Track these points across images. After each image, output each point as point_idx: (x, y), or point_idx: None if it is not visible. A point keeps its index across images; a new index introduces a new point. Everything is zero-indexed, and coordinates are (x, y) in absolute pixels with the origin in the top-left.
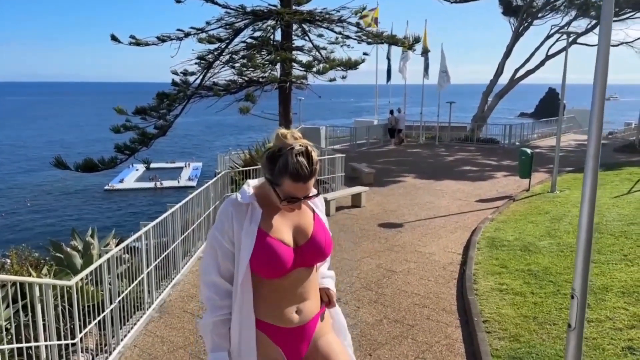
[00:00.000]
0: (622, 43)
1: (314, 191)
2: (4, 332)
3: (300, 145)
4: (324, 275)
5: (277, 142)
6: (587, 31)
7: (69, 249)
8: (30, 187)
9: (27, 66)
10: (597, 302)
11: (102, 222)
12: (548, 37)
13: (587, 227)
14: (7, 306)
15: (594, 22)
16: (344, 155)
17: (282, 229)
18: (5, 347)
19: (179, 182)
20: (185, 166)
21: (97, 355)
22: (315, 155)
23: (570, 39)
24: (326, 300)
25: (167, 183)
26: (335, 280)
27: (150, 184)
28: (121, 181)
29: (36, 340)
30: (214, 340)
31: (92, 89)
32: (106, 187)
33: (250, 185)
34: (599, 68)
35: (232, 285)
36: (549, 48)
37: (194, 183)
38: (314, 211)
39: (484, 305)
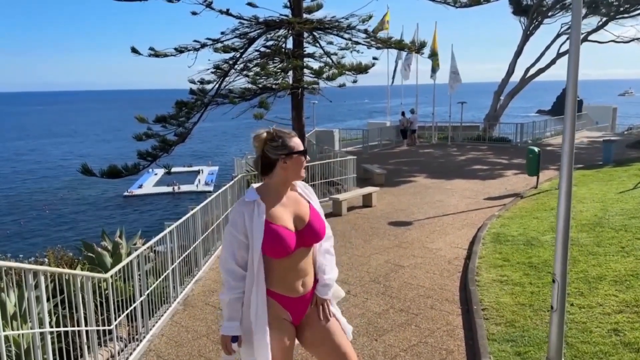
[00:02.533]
0: (633, 39)
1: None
2: (48, 318)
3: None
4: (323, 281)
5: (257, 143)
6: (597, 28)
7: (99, 249)
8: (47, 196)
9: (40, 76)
10: (590, 290)
11: (123, 226)
12: (558, 35)
13: (565, 217)
14: (48, 299)
15: (604, 19)
16: (355, 157)
17: (284, 217)
18: (54, 329)
19: (197, 186)
20: (201, 172)
21: (129, 342)
22: None
23: (581, 37)
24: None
25: (184, 187)
26: (332, 285)
27: (169, 189)
28: (140, 186)
29: (78, 327)
30: (229, 312)
31: (106, 97)
32: (125, 193)
33: (254, 187)
34: (571, 65)
35: (245, 270)
36: (560, 46)
37: (210, 188)
38: (309, 202)
39: (484, 295)
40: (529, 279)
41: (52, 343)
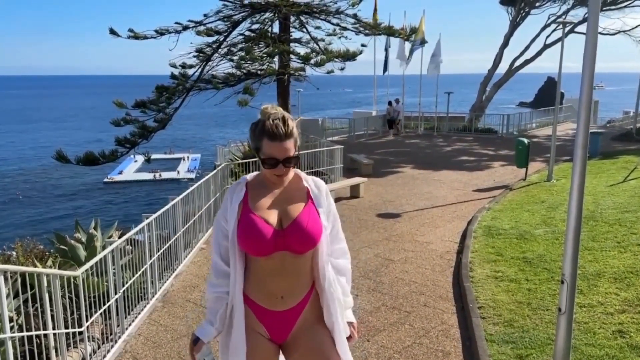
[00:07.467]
0: (619, 32)
1: (292, 152)
2: (13, 322)
3: (275, 111)
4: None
5: (260, 117)
6: (584, 20)
7: (72, 241)
8: (22, 182)
9: (18, 60)
10: (590, 288)
11: (102, 214)
12: (545, 26)
13: (577, 214)
14: (15, 297)
15: None
16: (343, 146)
17: (268, 208)
18: (16, 334)
19: (178, 173)
20: (184, 159)
21: (103, 343)
22: (290, 120)
23: (567, 29)
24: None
25: (166, 174)
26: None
27: (150, 176)
28: (120, 173)
29: (44, 329)
30: (207, 313)
31: (85, 82)
32: (105, 180)
33: (255, 173)
34: (587, 58)
35: (228, 265)
36: (547, 37)
37: (192, 175)
38: (310, 200)
39: (480, 292)
40: (525, 275)
41: (14, 348)
